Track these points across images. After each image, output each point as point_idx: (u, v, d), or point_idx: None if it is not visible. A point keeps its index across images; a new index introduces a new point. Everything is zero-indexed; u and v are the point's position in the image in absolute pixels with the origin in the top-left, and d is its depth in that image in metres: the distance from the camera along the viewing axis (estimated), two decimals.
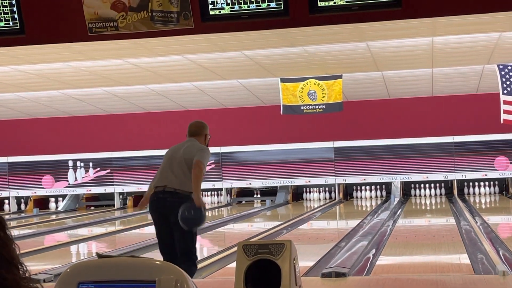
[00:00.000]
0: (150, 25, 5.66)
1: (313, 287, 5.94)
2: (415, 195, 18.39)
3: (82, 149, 19.13)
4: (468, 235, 10.11)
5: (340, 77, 14.00)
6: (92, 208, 19.69)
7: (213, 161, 18.27)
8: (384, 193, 18.50)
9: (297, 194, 19.11)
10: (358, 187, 18.66)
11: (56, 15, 5.92)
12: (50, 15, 5.93)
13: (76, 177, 19.33)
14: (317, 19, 5.59)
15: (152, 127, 18.85)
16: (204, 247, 10.59)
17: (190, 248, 5.92)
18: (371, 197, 18.46)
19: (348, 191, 18.85)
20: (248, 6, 5.57)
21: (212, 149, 18.79)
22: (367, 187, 18.55)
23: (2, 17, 5.92)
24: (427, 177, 17.99)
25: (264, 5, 5.54)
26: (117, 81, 14.36)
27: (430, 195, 18.28)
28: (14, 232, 9.74)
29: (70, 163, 19.30)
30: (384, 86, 15.98)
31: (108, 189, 19.19)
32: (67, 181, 19.34)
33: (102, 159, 19.15)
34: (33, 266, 7.98)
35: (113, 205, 19.20)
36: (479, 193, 18.08)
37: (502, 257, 8.03)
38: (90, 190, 19.39)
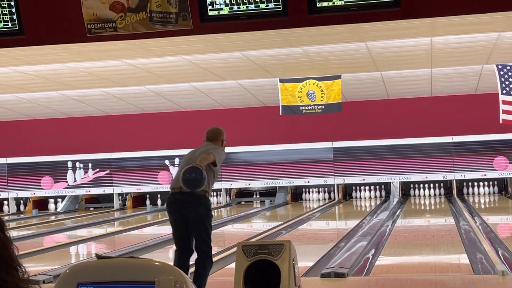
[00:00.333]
0: (149, 26, 5.66)
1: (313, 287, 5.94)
2: (414, 195, 18.39)
3: (81, 150, 19.13)
4: (467, 235, 10.11)
5: (339, 77, 14.00)
6: (91, 209, 19.69)
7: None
8: (383, 193, 18.50)
9: (297, 194, 19.11)
10: (358, 187, 18.66)
11: (55, 16, 5.92)
12: (49, 16, 5.93)
13: (75, 178, 19.33)
14: (316, 20, 5.59)
15: (151, 128, 18.85)
16: None
17: (206, 243, 6.07)
18: (370, 197, 18.47)
19: (348, 192, 18.85)
20: (247, 7, 5.57)
21: None
22: (366, 187, 18.55)
23: (1, 18, 5.93)
24: (426, 177, 17.99)
25: (263, 6, 5.55)
26: (116, 82, 14.36)
27: (429, 195, 18.28)
28: (14, 233, 9.72)
29: (69, 164, 19.30)
30: (383, 86, 15.98)
31: (108, 190, 19.19)
32: (66, 182, 19.33)
33: (101, 160, 19.15)
34: (33, 267, 7.99)
35: (112, 206, 19.20)
36: (478, 193, 18.08)
37: (501, 257, 8.04)
38: (89, 191, 19.39)
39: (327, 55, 12.42)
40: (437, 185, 18.34)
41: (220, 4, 5.61)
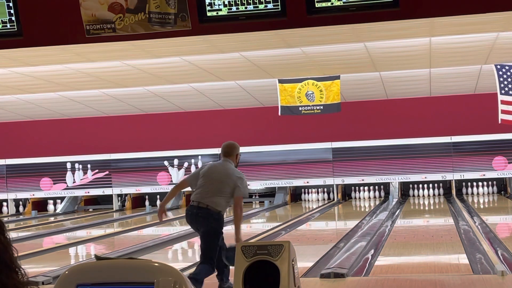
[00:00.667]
0: (147, 27, 5.66)
1: None
2: (413, 196, 18.40)
3: (81, 151, 19.12)
4: (466, 235, 10.11)
5: (338, 77, 14.01)
6: (90, 210, 19.69)
7: (211, 162, 18.28)
8: (382, 193, 18.51)
9: (296, 195, 19.11)
10: (357, 188, 18.67)
11: (54, 17, 5.92)
12: (48, 17, 5.93)
13: (74, 179, 19.33)
14: (315, 20, 5.59)
15: (150, 128, 18.85)
16: None
17: (211, 255, 6.51)
18: (369, 197, 18.47)
19: (347, 192, 18.86)
20: (246, 7, 5.57)
21: (211, 150, 18.86)
22: (366, 188, 18.55)
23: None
24: (426, 177, 18.00)
25: (261, 6, 5.54)
26: (115, 83, 14.36)
27: (429, 195, 18.29)
28: (13, 235, 9.72)
29: (69, 165, 19.29)
30: (382, 86, 15.98)
31: (107, 191, 19.19)
32: (66, 183, 19.33)
33: (100, 161, 19.15)
34: (32, 269, 7.98)
35: (112, 207, 19.19)
36: (478, 193, 18.09)
37: (501, 257, 8.04)
38: (88, 192, 19.38)
39: (326, 56, 12.42)
40: (436, 185, 18.34)
41: (219, 5, 5.61)
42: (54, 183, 19.35)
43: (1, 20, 5.92)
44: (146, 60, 12.07)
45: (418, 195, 18.36)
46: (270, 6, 5.52)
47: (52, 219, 17.66)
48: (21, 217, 18.64)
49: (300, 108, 14.31)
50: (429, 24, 9.85)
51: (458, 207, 14.55)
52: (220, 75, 14.00)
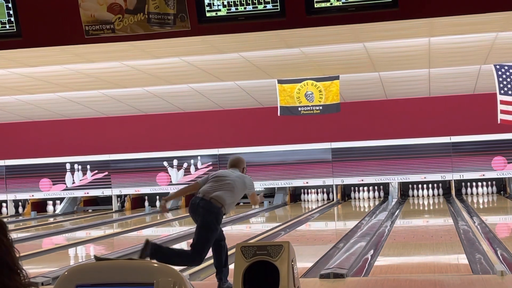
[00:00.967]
0: (146, 27, 5.66)
1: None
2: (413, 196, 18.40)
3: (80, 152, 19.12)
4: (466, 235, 10.11)
5: (337, 78, 14.01)
6: (90, 211, 19.68)
7: (210, 162, 18.28)
8: (382, 193, 18.51)
9: (295, 195, 19.11)
10: (356, 188, 18.67)
11: (53, 18, 5.91)
12: (47, 18, 5.93)
13: (73, 180, 19.32)
14: (314, 20, 5.59)
15: (149, 129, 18.85)
16: None
17: (199, 248, 6.55)
18: (369, 198, 18.47)
19: (346, 192, 18.86)
20: (245, 8, 5.57)
21: (210, 151, 18.87)
22: (365, 188, 18.56)
23: None
24: (425, 178, 18.00)
25: (260, 7, 5.54)
26: (114, 83, 14.35)
27: (428, 195, 18.29)
28: (12, 235, 9.73)
29: (68, 166, 19.29)
30: (381, 86, 15.98)
31: (106, 192, 19.19)
32: (65, 184, 19.32)
33: (99, 161, 19.15)
34: (31, 269, 7.98)
35: (111, 208, 19.19)
36: (477, 193, 18.10)
37: (500, 257, 8.04)
38: (87, 193, 19.38)
39: (325, 56, 12.42)
40: (435, 185, 18.34)
41: (218, 5, 5.61)
42: (54, 184, 19.34)
43: (0, 21, 5.92)
44: (145, 60, 12.07)
45: (418, 195, 18.36)
46: (269, 6, 5.52)
47: (51, 220, 17.66)
48: (20, 218, 18.64)
49: (299, 109, 14.31)
50: (428, 24, 9.85)
51: (458, 207, 14.55)
52: (219, 76, 13.99)
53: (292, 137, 18.17)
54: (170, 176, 18.84)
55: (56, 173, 19.30)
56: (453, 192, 17.81)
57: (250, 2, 5.55)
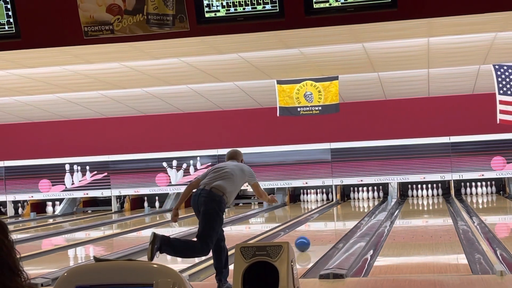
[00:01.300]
0: (145, 28, 5.66)
1: None
2: (412, 196, 18.40)
3: (79, 153, 19.12)
4: (465, 235, 10.11)
5: (336, 78, 14.01)
6: (89, 211, 19.68)
7: (210, 163, 18.27)
8: (381, 194, 18.51)
9: (295, 195, 19.11)
10: (355, 188, 18.67)
11: (52, 19, 5.92)
12: (46, 19, 5.93)
13: (73, 181, 19.32)
14: (313, 21, 5.59)
15: (148, 130, 18.84)
16: None
17: (207, 236, 6.59)
18: (368, 198, 18.47)
19: (345, 192, 18.86)
20: (244, 9, 5.57)
21: (209, 151, 18.86)
22: (364, 188, 18.56)
23: None
24: (424, 178, 18.00)
25: (259, 7, 5.55)
26: (113, 84, 14.36)
27: (427, 195, 18.29)
28: (12, 237, 9.72)
29: (67, 167, 19.29)
30: (381, 87, 15.99)
31: (105, 193, 19.18)
32: (64, 184, 19.32)
33: (99, 162, 19.14)
34: (31, 270, 7.96)
35: (110, 209, 19.18)
36: (476, 193, 18.10)
37: (500, 257, 8.04)
38: (87, 194, 19.38)
39: (324, 56, 12.42)
40: (435, 185, 18.35)
41: (217, 6, 5.61)
42: (53, 185, 19.34)
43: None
44: (144, 61, 12.08)
45: (417, 196, 18.36)
46: (268, 7, 5.53)
47: (51, 220, 17.64)
48: (20, 219, 18.63)
49: (298, 109, 14.31)
50: (427, 24, 9.86)
51: (457, 207, 14.55)
52: (218, 76, 14.00)
53: (291, 137, 18.17)
54: (169, 176, 18.84)
55: (56, 174, 19.30)
56: (452, 192, 17.81)
57: (249, 2, 5.55)
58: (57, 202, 19.62)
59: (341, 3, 5.41)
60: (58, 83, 13.88)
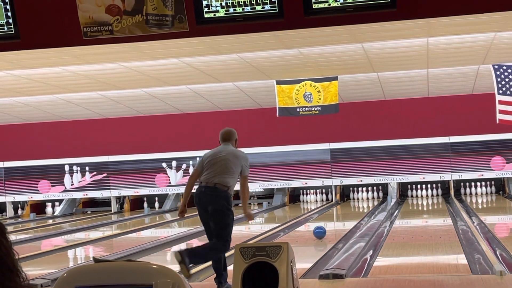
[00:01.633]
0: (145, 29, 5.66)
1: None
2: (411, 196, 18.40)
3: (78, 154, 19.12)
4: (465, 235, 10.11)
5: (335, 78, 14.01)
6: (88, 212, 19.67)
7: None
8: (380, 194, 18.51)
9: (294, 196, 19.11)
10: (355, 189, 18.67)
11: (51, 20, 5.91)
12: (45, 20, 5.93)
13: (72, 182, 19.31)
14: (312, 21, 5.59)
15: (148, 130, 18.84)
16: None
17: (224, 233, 6.61)
18: (368, 198, 18.47)
19: (345, 193, 18.86)
20: (243, 9, 5.57)
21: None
22: (364, 189, 18.56)
23: None
24: (424, 178, 18.00)
25: (259, 8, 5.55)
26: (113, 85, 14.35)
27: (427, 195, 18.30)
28: (11, 237, 9.72)
29: (67, 168, 19.28)
30: (380, 87, 15.99)
31: (105, 193, 19.18)
32: (64, 185, 19.32)
33: (98, 163, 19.14)
34: (30, 271, 7.97)
35: (110, 210, 19.18)
36: (476, 193, 18.10)
37: (499, 257, 8.04)
38: (86, 194, 19.37)
39: (323, 57, 12.42)
40: (434, 185, 18.35)
41: (216, 6, 5.61)
42: (52, 186, 19.34)
43: None
44: (143, 62, 12.07)
45: (417, 196, 18.36)
46: (267, 7, 5.53)
47: (50, 221, 17.63)
48: (19, 219, 18.62)
49: (298, 109, 14.31)
50: (426, 24, 9.86)
51: (457, 207, 14.55)
52: (217, 77, 14.00)
53: (290, 138, 18.17)
54: (169, 177, 18.84)
55: (55, 175, 19.29)
56: (452, 192, 17.81)
57: (248, 3, 5.55)
58: (57, 203, 19.61)
59: (340, 4, 5.41)
60: (58, 83, 13.88)
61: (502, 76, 12.87)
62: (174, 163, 18.78)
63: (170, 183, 18.79)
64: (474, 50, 12.23)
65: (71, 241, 12.68)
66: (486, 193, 18.08)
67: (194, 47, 10.76)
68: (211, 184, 6.67)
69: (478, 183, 18.13)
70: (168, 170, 18.84)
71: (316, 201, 18.67)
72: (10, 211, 19.52)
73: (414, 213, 15.52)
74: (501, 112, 13.16)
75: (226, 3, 5.59)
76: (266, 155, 18.43)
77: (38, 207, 19.63)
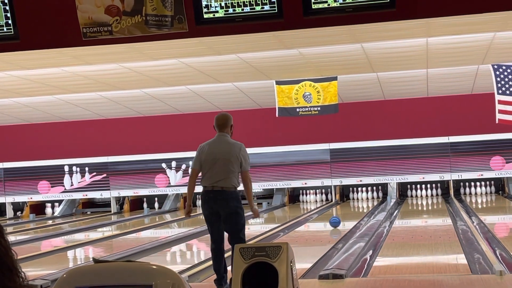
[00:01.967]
0: (144, 29, 5.66)
1: None
2: (411, 196, 18.40)
3: (78, 154, 19.11)
4: (464, 235, 10.12)
5: (335, 78, 14.01)
6: (88, 213, 19.67)
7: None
8: (380, 194, 18.51)
9: (294, 196, 19.11)
10: (355, 189, 18.67)
11: (50, 21, 5.92)
12: (44, 21, 5.93)
13: (72, 182, 19.31)
14: (311, 21, 5.59)
15: (147, 131, 18.84)
16: (201, 250, 10.58)
17: (238, 230, 6.62)
18: (367, 198, 18.47)
19: (345, 193, 18.86)
20: (242, 9, 5.57)
21: None
22: (364, 189, 18.56)
23: None
24: (423, 178, 18.00)
25: (258, 8, 5.55)
26: (112, 85, 14.35)
27: (427, 195, 18.29)
28: (11, 238, 9.70)
29: (66, 168, 19.28)
30: (379, 87, 15.99)
31: (105, 194, 19.18)
32: (63, 186, 19.31)
33: (98, 163, 19.13)
34: (30, 272, 7.97)
35: (110, 210, 19.18)
36: (475, 193, 18.10)
37: (499, 257, 8.04)
38: (86, 195, 19.37)
39: (323, 57, 12.42)
40: (434, 185, 18.35)
41: (216, 6, 5.61)
42: (52, 186, 19.33)
43: None
44: (143, 62, 12.07)
45: (416, 196, 18.36)
46: (266, 7, 5.53)
47: (50, 222, 17.63)
48: (19, 220, 18.62)
49: (297, 110, 14.31)
50: (425, 24, 9.86)
51: (456, 207, 14.55)
52: (217, 77, 14.00)
53: (290, 138, 18.17)
54: (168, 177, 18.83)
55: (55, 176, 19.29)
56: (451, 192, 17.81)
57: (248, 3, 5.55)
58: (56, 204, 19.61)
59: (340, 4, 5.42)
60: (57, 84, 13.88)
61: (502, 76, 12.87)
62: (173, 164, 18.77)
63: (169, 183, 18.79)
64: (473, 50, 12.23)
65: (70, 242, 12.68)
66: (486, 193, 18.08)
67: (194, 47, 10.76)
68: (218, 188, 6.59)
69: (478, 183, 18.13)
70: (167, 171, 18.84)
71: (316, 201, 18.67)
72: (9, 212, 19.50)
73: (413, 213, 15.52)
74: (501, 112, 13.16)
75: (226, 4, 5.59)
76: (265, 155, 18.42)
77: (38, 208, 19.63)
